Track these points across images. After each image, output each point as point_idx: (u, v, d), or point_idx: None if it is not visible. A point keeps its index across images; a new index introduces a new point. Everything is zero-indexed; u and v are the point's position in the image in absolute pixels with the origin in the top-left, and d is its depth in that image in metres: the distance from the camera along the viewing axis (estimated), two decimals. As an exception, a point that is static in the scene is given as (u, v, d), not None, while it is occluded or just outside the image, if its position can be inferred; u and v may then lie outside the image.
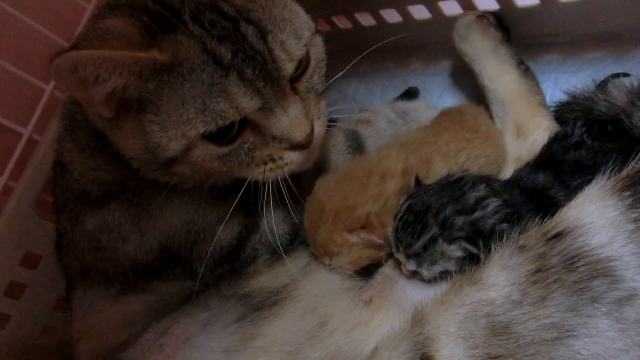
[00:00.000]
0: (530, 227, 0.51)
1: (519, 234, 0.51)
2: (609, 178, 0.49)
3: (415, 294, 0.62)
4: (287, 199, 0.66)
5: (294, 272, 0.68)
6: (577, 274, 0.46)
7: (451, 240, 0.58)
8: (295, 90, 0.62)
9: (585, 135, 0.68)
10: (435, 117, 0.86)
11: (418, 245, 0.59)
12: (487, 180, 0.63)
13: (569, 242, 0.48)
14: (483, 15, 0.85)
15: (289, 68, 0.59)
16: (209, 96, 0.55)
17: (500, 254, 0.51)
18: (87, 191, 0.70)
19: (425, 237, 0.59)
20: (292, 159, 0.62)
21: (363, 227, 0.66)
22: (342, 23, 1.10)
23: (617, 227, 0.47)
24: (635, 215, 0.46)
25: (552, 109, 0.80)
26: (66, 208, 0.75)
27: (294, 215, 0.71)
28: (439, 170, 0.69)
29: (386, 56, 1.13)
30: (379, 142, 0.85)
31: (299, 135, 0.60)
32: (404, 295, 0.63)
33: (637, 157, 0.49)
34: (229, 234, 0.70)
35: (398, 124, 0.87)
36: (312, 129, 0.62)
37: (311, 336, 0.60)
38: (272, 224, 0.70)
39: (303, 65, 0.62)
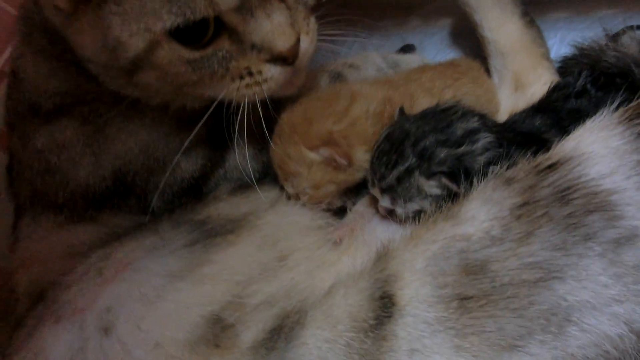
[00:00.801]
0: (520, 161, 0.44)
1: (507, 168, 0.44)
2: (615, 109, 0.42)
3: (389, 235, 0.54)
4: (264, 130, 0.59)
5: (258, 203, 0.62)
6: (569, 208, 0.40)
7: (430, 175, 0.51)
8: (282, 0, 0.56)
9: (589, 85, 0.60)
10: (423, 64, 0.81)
11: (392, 177, 0.52)
12: (480, 114, 0.56)
13: (563, 173, 0.41)
14: (488, -35, 0.78)
15: None
16: None
17: (482, 187, 0.44)
18: (38, 103, 0.63)
19: (400, 168, 0.52)
20: (273, 75, 0.55)
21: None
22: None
23: (622, 157, 0.40)
24: None
25: (557, 63, 0.73)
26: (17, 124, 0.68)
27: (265, 152, 0.65)
28: (421, 106, 0.61)
29: (383, 15, 1.06)
30: None
31: (282, 44, 0.53)
32: (376, 237, 0.56)
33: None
34: (191, 165, 0.64)
35: (387, 74, 0.80)
36: (298, 41, 0.55)
37: (267, 269, 0.54)
38: (240, 159, 0.63)
39: None
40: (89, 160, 0.62)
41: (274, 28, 0.53)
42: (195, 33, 0.51)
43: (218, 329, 0.48)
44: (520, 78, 0.71)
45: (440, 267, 0.42)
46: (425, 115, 0.55)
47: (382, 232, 0.57)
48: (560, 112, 0.59)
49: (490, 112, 0.69)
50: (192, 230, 0.57)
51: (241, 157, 0.64)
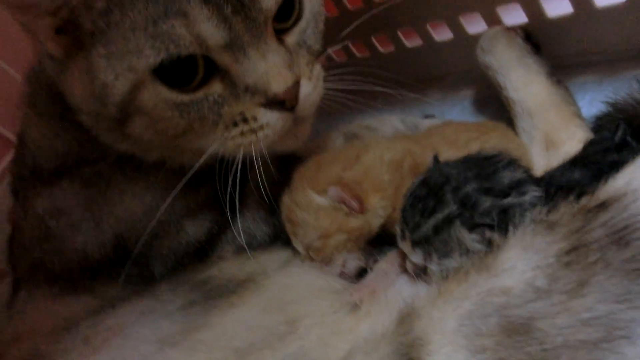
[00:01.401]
0: (563, 205, 0.38)
1: (547, 213, 0.38)
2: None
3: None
4: (267, 191, 0.55)
5: (267, 265, 0.57)
6: (630, 250, 0.34)
7: (472, 227, 0.45)
8: (281, 41, 0.53)
9: (628, 137, 0.56)
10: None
11: (428, 226, 0.46)
12: (525, 167, 0.51)
13: (617, 211, 0.35)
14: (510, 28, 0.77)
15: (270, 5, 0.50)
16: (163, 17, 0.46)
17: (520, 233, 0.38)
18: (40, 165, 0.62)
19: (439, 216, 0.46)
20: (269, 121, 0.52)
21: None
22: (360, 51, 1.04)
23: None
24: None
25: (590, 124, 0.69)
26: (20, 190, 0.66)
27: (277, 215, 0.60)
28: (446, 158, 0.56)
29: (404, 88, 1.05)
30: None
31: (277, 85, 0.50)
32: (402, 298, 0.49)
33: None
34: (198, 228, 0.60)
35: None
36: (297, 84, 0.52)
37: (272, 334, 0.48)
38: (250, 222, 0.59)
39: (295, 15, 0.55)
40: (89, 225, 0.59)
41: (268, 68, 0.50)
42: (184, 74, 0.49)
43: None
44: (551, 137, 0.66)
45: (476, 327, 0.36)
46: (468, 160, 0.50)
47: (408, 295, 0.50)
48: (600, 164, 0.54)
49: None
50: (191, 290, 0.52)
51: (250, 220, 0.60)
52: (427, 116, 0.94)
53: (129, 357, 0.47)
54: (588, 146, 0.59)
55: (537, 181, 0.50)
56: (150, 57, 0.47)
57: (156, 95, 0.50)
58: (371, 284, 0.55)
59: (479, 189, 0.46)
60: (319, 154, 0.65)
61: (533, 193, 0.46)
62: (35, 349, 0.56)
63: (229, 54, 0.49)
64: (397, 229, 0.51)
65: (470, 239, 0.45)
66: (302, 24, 0.55)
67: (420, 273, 0.49)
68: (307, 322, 0.49)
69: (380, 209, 0.57)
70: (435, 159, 0.54)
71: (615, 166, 0.53)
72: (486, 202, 0.45)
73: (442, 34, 0.90)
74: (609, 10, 0.70)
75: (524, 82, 0.71)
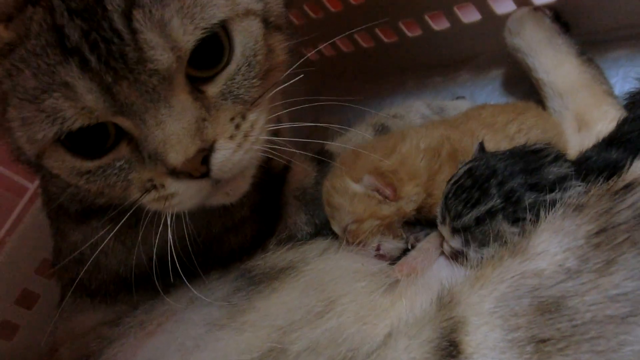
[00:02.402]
0: (591, 188, 0.40)
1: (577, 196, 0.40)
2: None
3: (450, 276, 0.49)
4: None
5: (306, 254, 0.59)
6: None
7: (514, 220, 0.46)
8: (199, 93, 0.48)
9: (668, 113, 0.56)
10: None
11: (470, 216, 0.48)
12: (571, 161, 0.51)
13: None
14: (538, 8, 0.77)
15: (165, 60, 0.44)
16: (47, 88, 0.44)
17: (551, 217, 0.40)
18: (67, 207, 0.63)
19: (482, 208, 0.47)
20: (178, 191, 0.48)
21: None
22: (388, 37, 1.05)
23: None
24: None
25: (623, 100, 0.69)
26: (53, 219, 0.70)
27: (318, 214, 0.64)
28: (484, 142, 0.58)
29: (434, 71, 1.06)
30: None
31: (174, 158, 0.45)
32: (438, 280, 0.51)
33: None
34: (241, 238, 0.62)
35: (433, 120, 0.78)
36: (205, 151, 0.47)
37: (312, 314, 0.50)
38: (291, 226, 0.63)
39: (224, 60, 0.49)
40: (121, 252, 0.61)
41: (165, 137, 0.45)
42: (95, 138, 0.47)
43: None
44: (583, 117, 0.67)
45: (511, 307, 0.38)
46: (515, 154, 0.51)
47: (446, 277, 0.52)
48: (636, 142, 0.54)
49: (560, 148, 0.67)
50: (236, 278, 0.55)
51: (292, 225, 0.62)
52: (457, 98, 0.95)
53: (181, 338, 0.50)
54: (622, 125, 0.59)
55: (578, 166, 0.50)
56: (45, 129, 0.45)
57: (59, 162, 0.49)
58: (412, 263, 0.57)
59: (525, 184, 0.47)
60: (349, 147, 0.67)
61: (577, 188, 0.47)
62: (85, 346, 0.61)
63: (128, 121, 0.46)
64: (438, 213, 0.53)
65: (511, 232, 0.46)
66: (229, 69, 0.49)
67: (458, 256, 0.52)
68: (344, 301, 0.51)
69: (414, 195, 0.59)
70: (481, 146, 0.55)
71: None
72: (530, 198, 0.46)
73: (470, 16, 0.90)
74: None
75: (554, 63, 0.71)
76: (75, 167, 0.48)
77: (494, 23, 0.85)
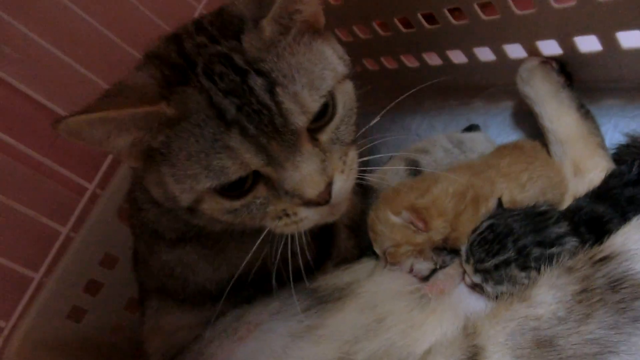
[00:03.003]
0: (579, 251, 0.54)
1: (568, 257, 0.54)
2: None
3: (470, 302, 0.66)
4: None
5: (358, 274, 0.73)
6: (620, 295, 0.49)
7: (523, 267, 0.61)
8: (316, 142, 0.60)
9: (643, 174, 0.70)
10: (495, 149, 0.92)
11: (490, 263, 0.62)
12: (569, 219, 0.65)
13: (614, 266, 0.51)
14: (546, 61, 0.90)
15: (300, 121, 0.57)
16: (212, 151, 0.56)
17: (549, 274, 0.54)
18: (162, 234, 0.75)
19: (500, 258, 0.62)
20: (307, 215, 0.60)
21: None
22: (410, 62, 1.17)
23: None
24: None
25: (612, 150, 0.83)
26: (142, 237, 0.82)
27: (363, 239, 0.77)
28: (500, 191, 0.73)
29: (450, 95, 1.18)
30: (437, 171, 0.90)
31: (311, 192, 0.58)
32: (460, 301, 0.66)
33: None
34: (303, 259, 0.71)
35: (455, 153, 0.92)
36: (330, 184, 0.59)
37: (368, 330, 0.64)
38: (342, 249, 0.76)
39: (329, 114, 0.61)
40: (207, 271, 0.74)
41: (302, 178, 0.57)
42: (235, 185, 0.58)
43: None
44: (578, 165, 0.81)
45: (517, 341, 0.52)
46: (527, 215, 0.65)
47: (465, 299, 0.68)
48: (619, 200, 0.69)
49: (561, 192, 0.81)
50: (306, 297, 0.69)
51: (343, 250, 0.75)
52: (471, 126, 1.08)
53: (270, 344, 0.64)
54: (609, 178, 0.73)
55: (572, 215, 0.65)
56: (207, 183, 0.56)
57: (214, 204, 0.60)
58: (440, 283, 0.72)
59: (533, 242, 0.62)
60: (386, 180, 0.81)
61: (572, 243, 0.61)
62: (175, 342, 0.74)
63: (269, 168, 0.57)
64: (463, 253, 0.67)
65: (521, 276, 0.61)
66: (335, 121, 0.61)
67: (476, 287, 0.66)
68: (391, 318, 0.65)
69: (441, 229, 0.72)
70: (499, 202, 0.69)
71: (632, 201, 0.68)
72: (537, 252, 0.61)
73: (486, 56, 1.02)
74: (632, 51, 0.83)
75: (557, 114, 0.84)
76: (225, 207, 0.60)
77: (507, 63, 0.98)
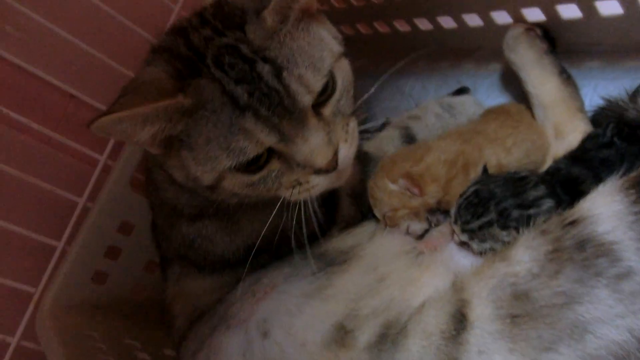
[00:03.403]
0: (554, 211, 0.62)
1: (545, 219, 0.62)
2: (620, 177, 0.59)
3: (459, 259, 0.73)
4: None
5: (360, 238, 0.81)
6: (585, 254, 0.56)
7: (504, 227, 0.68)
8: (320, 116, 0.66)
9: (615, 137, 0.76)
10: (483, 113, 0.98)
11: (475, 224, 0.70)
12: (547, 183, 0.71)
13: (580, 229, 0.58)
14: (531, 28, 0.94)
15: (306, 100, 0.63)
16: (230, 134, 0.61)
17: (525, 237, 0.61)
18: (181, 210, 0.81)
19: (484, 220, 0.69)
20: (318, 182, 0.67)
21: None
22: (402, 26, 1.22)
23: (621, 219, 0.56)
24: (636, 209, 0.56)
25: (590, 112, 0.89)
26: (161, 213, 0.88)
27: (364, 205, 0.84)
28: (488, 156, 0.81)
29: (441, 57, 1.23)
30: (429, 135, 0.96)
31: (320, 161, 0.64)
32: (450, 258, 0.74)
33: (646, 161, 0.59)
34: (312, 227, 0.79)
35: (445, 118, 0.98)
36: (336, 153, 0.66)
37: (371, 288, 0.71)
38: (345, 214, 0.83)
39: (329, 89, 0.66)
40: (225, 242, 0.81)
41: (312, 149, 0.63)
42: (251, 162, 0.64)
43: (342, 333, 0.67)
44: (559, 128, 0.87)
45: (497, 295, 0.58)
46: (507, 180, 0.72)
47: (455, 255, 0.76)
48: (593, 161, 0.76)
49: (543, 154, 0.88)
50: (315, 261, 0.76)
51: (347, 216, 0.83)
52: (461, 88, 1.13)
53: (286, 304, 0.71)
54: (585, 141, 0.80)
55: (550, 176, 0.72)
56: (227, 162, 0.62)
57: (234, 180, 0.66)
58: (433, 240, 0.80)
59: (513, 204, 0.69)
60: (378, 145, 0.89)
61: (548, 204, 0.68)
62: (199, 304, 0.82)
63: (282, 144, 0.63)
64: (452, 215, 0.74)
65: (502, 235, 0.69)
66: (336, 96, 0.67)
67: (464, 245, 0.74)
68: (392, 277, 0.73)
69: (435, 193, 0.80)
70: (485, 170, 0.76)
71: (605, 163, 0.75)
72: (516, 213, 0.68)
73: (474, 21, 1.07)
74: (610, 17, 0.88)
75: (540, 80, 0.89)
76: (244, 182, 0.66)
77: (495, 29, 1.03)
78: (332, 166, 0.66)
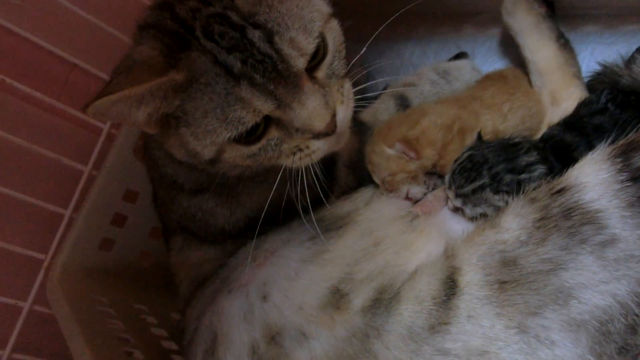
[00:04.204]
0: (542, 183, 0.63)
1: (533, 189, 0.64)
2: (609, 145, 0.60)
3: (452, 223, 0.75)
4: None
5: (357, 203, 0.82)
6: (571, 221, 0.57)
7: (496, 191, 0.70)
8: (314, 79, 0.65)
9: (609, 103, 0.77)
10: (481, 78, 0.98)
11: (468, 188, 0.71)
12: (539, 150, 0.72)
13: (567, 197, 0.59)
14: (530, -9, 0.94)
15: (300, 64, 0.62)
16: (227, 105, 0.61)
17: (515, 204, 0.63)
18: (181, 184, 0.82)
19: (476, 184, 0.70)
20: (319, 147, 0.67)
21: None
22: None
23: (606, 187, 0.57)
24: (622, 177, 0.57)
25: (587, 78, 0.89)
26: (162, 187, 0.89)
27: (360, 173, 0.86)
28: (485, 121, 0.82)
29: (441, 22, 1.22)
30: (425, 102, 0.96)
31: (319, 125, 0.63)
32: (444, 222, 0.76)
33: (633, 130, 0.60)
34: (311, 197, 0.78)
35: (440, 84, 0.97)
36: (334, 115, 0.65)
37: (367, 253, 0.72)
38: (342, 184, 0.85)
39: (321, 52, 0.65)
40: (225, 214, 0.82)
41: (309, 113, 0.62)
42: (250, 132, 0.63)
43: (338, 296, 0.69)
44: (555, 94, 0.87)
45: (487, 262, 0.60)
46: (501, 146, 0.73)
47: (449, 220, 0.77)
48: (586, 127, 0.77)
49: (539, 120, 0.89)
50: (313, 226, 0.77)
51: (344, 185, 0.84)
52: (460, 53, 1.13)
53: (284, 268, 0.72)
54: (579, 107, 0.81)
55: (545, 160, 0.72)
56: (226, 134, 0.62)
57: (235, 152, 0.65)
58: (428, 204, 0.81)
59: (505, 169, 0.70)
60: (374, 114, 0.89)
61: (540, 170, 0.69)
62: (202, 271, 0.85)
63: (279, 110, 0.62)
64: (446, 181, 0.75)
65: (495, 199, 0.70)
66: (328, 58, 0.66)
67: (457, 209, 0.76)
68: (386, 241, 0.73)
69: (431, 156, 0.80)
70: (479, 136, 0.77)
71: (598, 129, 0.76)
72: (508, 177, 0.68)
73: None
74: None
75: (537, 46, 0.89)
76: (245, 153, 0.65)
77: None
78: (331, 129, 0.65)
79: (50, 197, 1.16)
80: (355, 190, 0.85)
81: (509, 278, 0.59)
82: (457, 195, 0.74)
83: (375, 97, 1.05)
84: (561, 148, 0.75)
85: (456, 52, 1.14)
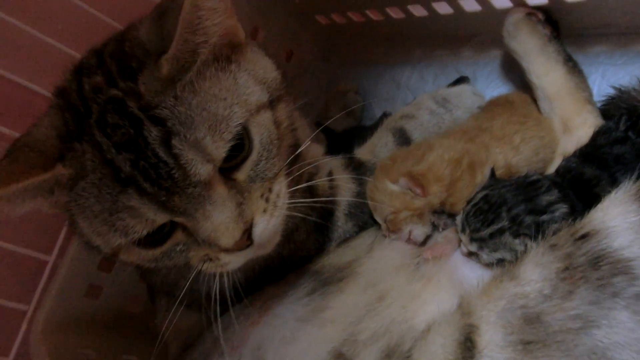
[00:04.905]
0: (562, 227, 0.57)
1: (552, 233, 0.57)
2: (634, 182, 0.54)
3: (465, 270, 0.69)
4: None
5: (358, 251, 0.75)
6: (600, 272, 0.52)
7: (516, 235, 0.64)
8: (232, 182, 0.56)
9: (630, 131, 0.71)
10: (485, 106, 0.92)
11: (486, 232, 0.65)
12: (559, 187, 0.67)
13: (594, 244, 0.53)
14: (532, 12, 0.88)
15: (204, 171, 0.53)
16: (115, 211, 0.53)
17: (534, 252, 0.57)
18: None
19: (495, 227, 0.65)
20: (231, 260, 0.59)
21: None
22: (395, 13, 1.15)
23: (637, 232, 0.52)
24: None
25: (599, 103, 0.83)
26: None
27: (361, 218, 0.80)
28: (496, 155, 0.76)
29: (438, 44, 1.17)
30: (425, 134, 0.90)
31: (226, 242, 0.54)
32: (456, 269, 0.70)
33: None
34: (312, 245, 0.77)
35: (440, 113, 0.91)
36: (248, 229, 0.56)
37: (370, 309, 0.67)
38: (341, 232, 0.79)
39: (246, 149, 0.57)
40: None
41: (215, 228, 0.54)
42: (151, 234, 0.55)
43: None
44: (567, 122, 0.81)
45: (507, 319, 0.55)
46: (519, 185, 0.67)
47: (461, 265, 0.71)
48: (607, 159, 0.70)
49: (552, 150, 0.83)
50: (311, 279, 0.72)
51: (342, 232, 0.78)
52: (460, 78, 1.07)
53: (280, 329, 0.66)
54: (596, 136, 0.74)
55: (561, 178, 0.67)
56: (116, 240, 0.54)
57: (132, 254, 0.58)
58: (438, 247, 0.74)
59: (525, 210, 0.64)
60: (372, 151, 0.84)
61: (562, 209, 0.64)
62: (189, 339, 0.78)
63: (181, 217, 0.54)
64: (459, 224, 0.69)
65: (515, 243, 0.64)
66: (252, 158, 0.57)
67: (472, 255, 0.69)
68: (392, 294, 0.69)
69: (438, 193, 0.74)
70: (492, 173, 0.71)
71: (620, 160, 0.69)
72: (529, 219, 0.63)
73: (471, 6, 1.00)
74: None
75: (544, 70, 0.83)
76: (144, 257, 0.58)
77: (494, 13, 0.96)
78: (243, 245, 0.56)
79: (34, 243, 1.10)
80: (356, 235, 0.79)
81: (534, 338, 0.53)
82: (473, 240, 0.67)
83: (371, 128, 0.99)
84: (580, 183, 0.68)
85: (456, 76, 1.09)
